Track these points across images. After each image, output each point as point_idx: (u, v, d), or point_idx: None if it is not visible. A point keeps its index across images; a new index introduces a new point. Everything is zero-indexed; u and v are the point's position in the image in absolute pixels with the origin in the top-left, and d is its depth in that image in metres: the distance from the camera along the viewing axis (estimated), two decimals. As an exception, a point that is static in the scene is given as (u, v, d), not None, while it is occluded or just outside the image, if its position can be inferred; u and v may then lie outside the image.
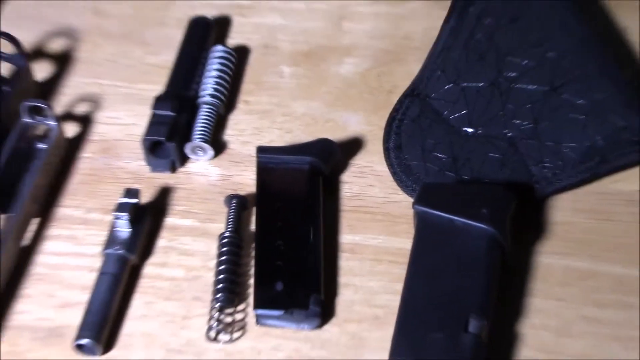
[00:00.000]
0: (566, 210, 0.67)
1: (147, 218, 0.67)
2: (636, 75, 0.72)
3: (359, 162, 0.71)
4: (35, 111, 0.70)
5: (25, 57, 0.73)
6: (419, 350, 0.58)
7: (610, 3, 0.78)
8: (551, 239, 0.66)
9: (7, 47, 0.73)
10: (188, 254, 0.67)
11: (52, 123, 0.70)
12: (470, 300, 0.60)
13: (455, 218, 0.63)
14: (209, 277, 0.65)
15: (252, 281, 0.64)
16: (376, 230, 0.67)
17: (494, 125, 0.69)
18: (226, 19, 0.79)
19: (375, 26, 0.78)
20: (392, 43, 0.77)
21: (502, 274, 0.62)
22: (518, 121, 0.69)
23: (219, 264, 0.64)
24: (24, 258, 0.67)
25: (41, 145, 0.70)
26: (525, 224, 0.66)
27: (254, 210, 0.68)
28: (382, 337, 0.61)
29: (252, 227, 0.68)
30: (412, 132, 0.70)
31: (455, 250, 0.62)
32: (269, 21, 0.79)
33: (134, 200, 0.66)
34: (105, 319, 0.62)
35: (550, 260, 0.65)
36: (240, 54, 0.77)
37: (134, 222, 0.65)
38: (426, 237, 0.63)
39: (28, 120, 0.70)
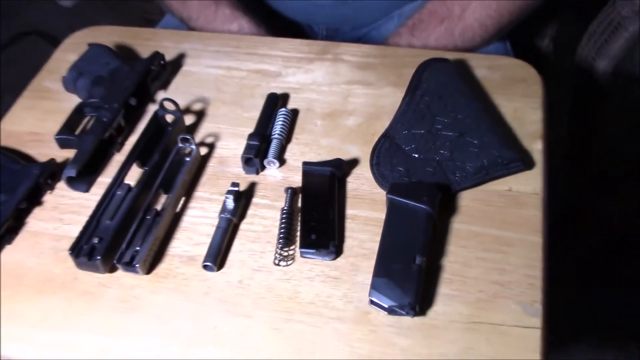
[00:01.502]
0: (467, 199, 0.65)
1: (243, 198, 0.65)
2: (505, 130, 0.69)
3: (356, 172, 0.68)
4: (185, 141, 0.68)
5: (180, 112, 0.71)
6: (388, 272, 0.56)
7: (489, 91, 0.75)
8: (459, 214, 0.64)
9: (171, 106, 0.70)
10: (264, 218, 0.65)
11: (193, 147, 0.68)
12: (416, 246, 0.58)
13: (409, 202, 0.61)
14: (275, 231, 0.63)
15: (298, 233, 0.62)
16: (365, 208, 0.65)
17: (429, 153, 0.67)
18: (287, 95, 0.77)
19: (365, 100, 0.75)
20: (374, 109, 0.74)
21: (433, 232, 0.60)
22: (442, 151, 0.66)
23: (281, 224, 0.63)
24: (176, 218, 0.65)
25: (187, 159, 0.68)
26: (445, 206, 0.63)
27: (300, 195, 0.65)
28: (368, 265, 0.59)
29: (299, 204, 0.65)
30: (385, 156, 0.68)
31: (408, 219, 0.60)
32: (309, 96, 0.77)
33: (236, 188, 0.64)
34: (219, 252, 0.61)
35: (458, 226, 0.63)
36: (294, 113, 0.74)
37: (236, 200, 0.63)
38: (393, 212, 0.61)
39: (180, 145, 0.68)
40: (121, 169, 0.65)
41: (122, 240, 0.60)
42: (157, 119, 0.70)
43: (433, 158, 0.66)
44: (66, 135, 0.70)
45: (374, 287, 0.55)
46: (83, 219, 0.64)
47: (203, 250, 0.61)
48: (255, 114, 0.73)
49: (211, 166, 0.69)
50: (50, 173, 0.67)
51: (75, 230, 0.64)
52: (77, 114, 0.72)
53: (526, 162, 0.66)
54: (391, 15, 1.02)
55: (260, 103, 0.74)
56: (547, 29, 1.08)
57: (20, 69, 1.96)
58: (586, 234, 1.30)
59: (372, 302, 0.55)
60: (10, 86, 1.89)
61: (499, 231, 0.62)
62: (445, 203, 0.63)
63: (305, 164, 0.66)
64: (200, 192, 0.67)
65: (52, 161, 0.68)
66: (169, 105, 0.70)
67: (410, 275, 0.55)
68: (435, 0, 0.89)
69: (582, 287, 1.25)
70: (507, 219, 0.62)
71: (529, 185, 0.65)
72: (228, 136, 0.72)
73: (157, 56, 0.76)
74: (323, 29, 1.04)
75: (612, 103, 1.03)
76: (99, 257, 0.58)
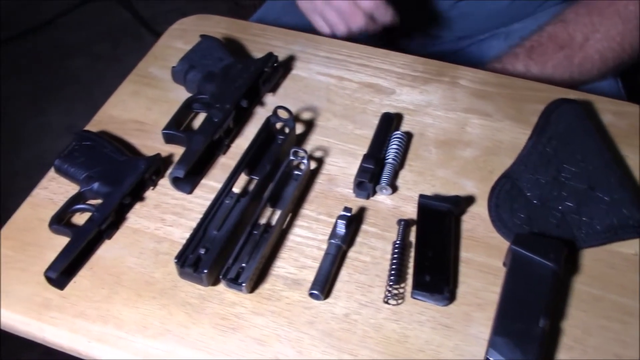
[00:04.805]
0: (588, 258, 0.60)
1: (354, 224, 0.61)
2: (636, 186, 0.64)
3: (472, 210, 0.64)
4: (297, 153, 0.64)
5: (293, 121, 0.67)
6: (509, 332, 0.53)
7: (615, 140, 0.70)
8: (581, 274, 0.59)
9: (284, 115, 0.67)
10: (373, 248, 0.61)
11: (304, 161, 0.65)
12: (540, 306, 0.54)
13: (534, 257, 0.56)
14: (385, 264, 0.60)
15: (411, 271, 0.58)
16: (480, 252, 0.61)
17: (553, 202, 0.62)
18: (400, 115, 0.72)
19: (482, 132, 0.71)
20: (492, 143, 0.70)
21: (557, 292, 0.56)
22: (568, 203, 0.62)
23: (392, 259, 0.59)
24: (282, 235, 0.62)
25: (297, 172, 0.65)
26: (569, 264, 0.58)
27: (414, 228, 0.61)
28: (482, 317, 0.56)
29: (412, 239, 0.61)
30: (505, 198, 0.63)
31: (533, 275, 0.56)
32: (424, 120, 0.72)
33: (349, 214, 0.60)
34: (327, 280, 0.58)
35: (578, 286, 0.58)
36: (408, 137, 0.70)
37: (347, 226, 0.59)
38: (516, 265, 0.57)
39: (292, 158, 0.65)
40: (231, 176, 0.62)
41: (228, 253, 0.57)
42: (268, 126, 0.67)
43: (557, 208, 0.61)
44: (173, 130, 0.67)
45: (492, 346, 0.52)
46: (185, 222, 0.62)
47: (308, 274, 0.58)
48: (366, 132, 0.69)
49: (319, 183, 0.66)
50: (155, 169, 0.64)
51: (176, 233, 0.61)
52: (185, 109, 0.69)
53: (657, 227, 0.61)
54: (497, 32, 0.97)
55: (372, 120, 0.70)
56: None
57: (89, 32, 1.95)
58: None
59: (488, 361, 0.52)
60: (78, 49, 1.88)
61: (621, 298, 0.57)
62: (569, 260, 0.58)
63: (422, 197, 0.62)
64: (307, 210, 0.64)
65: (158, 156, 0.65)
66: (282, 114, 0.66)
67: (532, 338, 0.52)
68: (555, 25, 0.84)
69: None
70: (630, 286, 0.58)
71: (656, 251, 0.60)
72: (337, 152, 0.68)
73: (271, 57, 0.72)
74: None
75: None
76: (205, 271, 0.55)
